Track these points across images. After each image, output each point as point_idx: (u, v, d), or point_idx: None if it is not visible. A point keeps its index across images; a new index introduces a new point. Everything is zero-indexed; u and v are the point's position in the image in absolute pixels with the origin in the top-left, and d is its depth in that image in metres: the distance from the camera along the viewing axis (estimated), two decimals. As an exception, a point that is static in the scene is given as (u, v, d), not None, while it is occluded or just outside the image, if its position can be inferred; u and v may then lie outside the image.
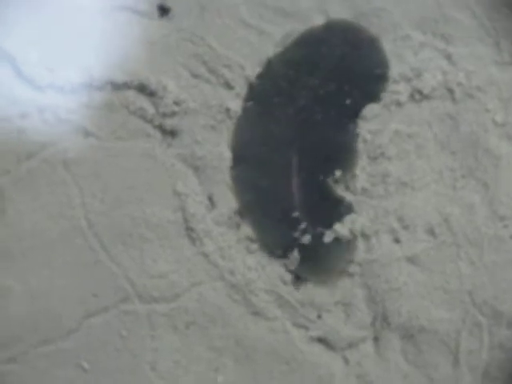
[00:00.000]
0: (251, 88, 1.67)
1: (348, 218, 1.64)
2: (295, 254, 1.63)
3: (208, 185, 1.65)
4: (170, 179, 1.66)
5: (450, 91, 1.67)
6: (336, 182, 1.64)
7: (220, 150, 1.66)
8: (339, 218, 1.64)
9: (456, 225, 1.65)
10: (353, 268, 1.65)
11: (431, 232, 1.65)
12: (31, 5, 1.66)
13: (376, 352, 1.65)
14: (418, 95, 1.67)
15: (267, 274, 1.64)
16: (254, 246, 1.65)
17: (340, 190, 1.65)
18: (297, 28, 1.68)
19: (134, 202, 1.65)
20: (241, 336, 1.64)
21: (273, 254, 1.65)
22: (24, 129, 1.63)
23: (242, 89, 1.67)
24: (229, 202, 1.66)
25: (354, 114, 1.66)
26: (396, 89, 1.66)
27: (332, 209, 1.64)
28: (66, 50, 1.65)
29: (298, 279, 1.65)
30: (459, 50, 1.68)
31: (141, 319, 1.62)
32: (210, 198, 1.66)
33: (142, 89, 1.65)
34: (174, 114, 1.65)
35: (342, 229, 1.63)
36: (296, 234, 1.63)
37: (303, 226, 1.63)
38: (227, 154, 1.66)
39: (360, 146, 1.66)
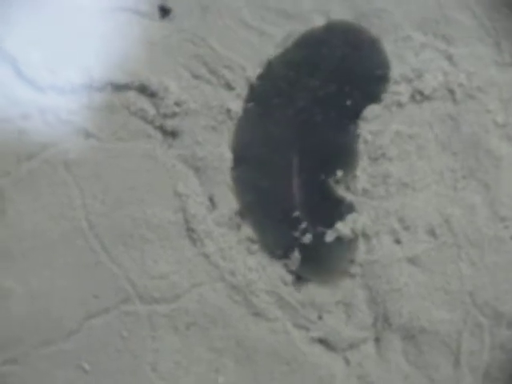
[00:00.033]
0: (252, 89, 1.66)
1: (350, 217, 1.63)
2: (296, 254, 1.63)
3: (209, 185, 1.65)
4: (170, 180, 1.65)
5: (451, 92, 1.66)
6: (337, 182, 1.64)
7: (221, 151, 1.65)
8: (340, 217, 1.63)
9: (457, 226, 1.64)
10: (354, 269, 1.64)
11: (432, 233, 1.64)
12: (32, 6, 1.65)
13: (377, 353, 1.64)
14: (419, 96, 1.66)
15: (268, 274, 1.64)
16: (255, 247, 1.64)
17: (341, 191, 1.64)
18: (297, 29, 1.67)
19: (134, 202, 1.64)
20: (241, 337, 1.63)
21: (274, 255, 1.64)
22: (25, 130, 1.63)
23: (242, 90, 1.66)
24: (229, 202, 1.65)
25: (355, 114, 1.65)
26: (397, 89, 1.66)
27: (333, 209, 1.64)
28: (67, 51, 1.65)
29: (299, 279, 1.64)
30: (460, 51, 1.67)
31: (141, 320, 1.62)
32: (211, 199, 1.65)
33: (143, 90, 1.65)
34: (174, 114, 1.65)
35: (343, 228, 1.62)
36: (297, 234, 1.62)
37: (304, 225, 1.62)
38: (228, 155, 1.65)
39: (361, 146, 1.65)
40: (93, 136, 1.64)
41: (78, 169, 1.63)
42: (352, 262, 1.64)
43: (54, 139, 1.63)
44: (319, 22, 1.68)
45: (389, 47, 1.66)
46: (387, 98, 1.66)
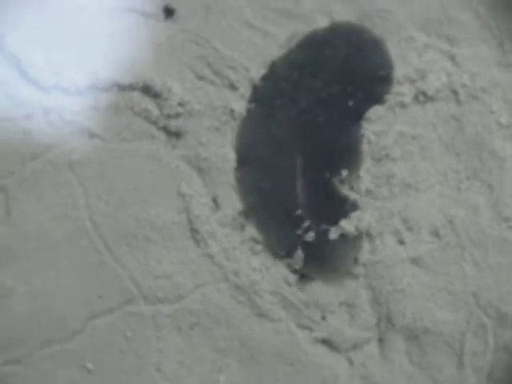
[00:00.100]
0: (255, 89, 1.65)
1: (354, 215, 1.62)
2: (300, 253, 1.61)
3: (212, 186, 1.64)
4: (174, 180, 1.64)
5: (455, 93, 1.65)
6: (341, 182, 1.63)
7: (224, 152, 1.64)
8: (345, 215, 1.62)
9: (460, 226, 1.63)
10: (357, 269, 1.63)
11: (435, 233, 1.63)
12: (37, 6, 1.65)
13: (380, 353, 1.63)
14: (423, 97, 1.65)
15: (272, 275, 1.63)
16: (259, 248, 1.63)
17: (345, 190, 1.63)
18: (301, 30, 1.66)
19: (138, 203, 1.63)
20: (245, 337, 1.62)
21: (277, 255, 1.63)
22: (29, 130, 1.62)
23: (246, 90, 1.65)
24: (233, 203, 1.64)
25: (359, 115, 1.64)
26: (400, 90, 1.65)
27: (337, 208, 1.63)
28: (71, 52, 1.64)
29: (303, 280, 1.63)
30: (463, 52, 1.66)
31: (145, 320, 1.61)
32: (215, 200, 1.64)
33: (147, 90, 1.64)
34: (178, 115, 1.64)
35: (348, 225, 1.61)
36: (300, 233, 1.61)
37: (307, 224, 1.61)
38: (231, 156, 1.64)
39: (364, 147, 1.64)
40: (97, 136, 1.63)
41: (82, 169, 1.62)
42: (356, 261, 1.63)
43: (58, 139, 1.62)
44: (322, 22, 1.67)
45: (392, 48, 1.65)
46: (391, 98, 1.65)
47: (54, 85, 1.63)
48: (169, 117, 1.64)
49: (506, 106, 1.66)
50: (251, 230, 1.63)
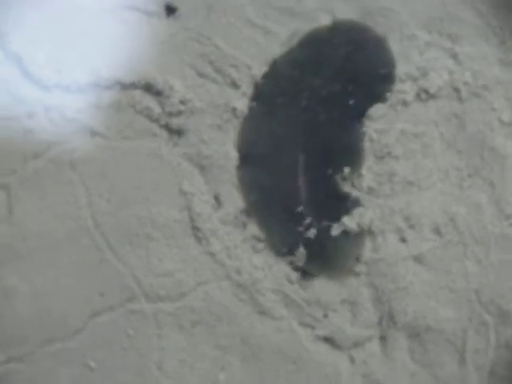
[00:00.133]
0: (257, 87, 1.64)
1: (356, 211, 1.61)
2: (302, 250, 1.60)
3: (214, 184, 1.63)
4: (176, 178, 1.63)
5: (456, 90, 1.65)
6: (344, 179, 1.62)
7: (226, 150, 1.63)
8: (347, 212, 1.61)
9: (462, 224, 1.62)
10: (359, 267, 1.62)
11: (437, 231, 1.62)
12: (38, 5, 1.64)
13: (382, 351, 1.62)
14: (425, 95, 1.64)
15: (274, 273, 1.62)
16: (261, 245, 1.62)
17: (347, 188, 1.62)
18: (302, 27, 1.66)
19: (140, 201, 1.62)
20: (247, 335, 1.61)
21: (279, 253, 1.62)
22: (31, 128, 1.61)
23: (248, 88, 1.64)
24: (235, 201, 1.63)
25: (361, 113, 1.63)
26: (402, 88, 1.64)
27: (339, 206, 1.62)
28: (72, 50, 1.63)
29: (305, 278, 1.62)
30: (465, 50, 1.66)
31: (147, 318, 1.60)
32: (217, 198, 1.63)
33: (149, 88, 1.63)
34: (180, 113, 1.63)
35: (350, 222, 1.60)
36: (302, 230, 1.60)
37: (310, 221, 1.60)
38: (233, 154, 1.63)
39: (366, 145, 1.63)
40: (99, 134, 1.62)
41: (83, 167, 1.61)
42: (358, 258, 1.62)
43: (60, 138, 1.61)
44: (324, 20, 1.66)
45: (394, 46, 1.65)
46: (392, 96, 1.64)
47: (55, 83, 1.62)
48: (170, 115, 1.63)
49: (508, 104, 1.65)
50: (253, 228, 1.62)
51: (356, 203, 1.62)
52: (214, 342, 1.61)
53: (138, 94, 1.63)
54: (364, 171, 1.63)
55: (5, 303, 1.57)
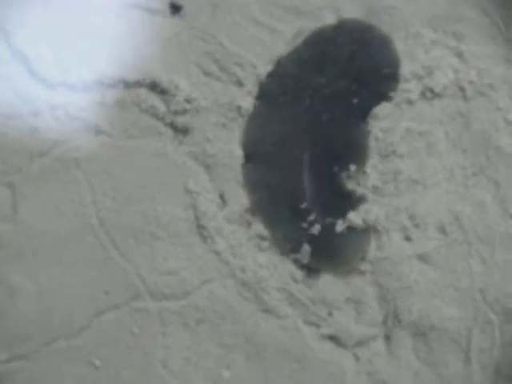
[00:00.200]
0: (262, 86, 1.63)
1: (362, 208, 1.59)
2: (306, 247, 1.59)
3: (219, 183, 1.61)
4: (181, 177, 1.62)
5: (462, 89, 1.63)
6: (349, 177, 1.60)
7: (231, 148, 1.62)
8: (352, 209, 1.60)
9: (467, 223, 1.60)
10: (364, 266, 1.60)
11: (442, 230, 1.60)
12: (43, 3, 1.63)
13: (387, 350, 1.60)
14: (430, 93, 1.62)
15: (278, 271, 1.60)
16: (266, 244, 1.60)
17: (352, 185, 1.61)
18: (307, 26, 1.64)
19: (145, 199, 1.61)
20: (251, 333, 1.59)
21: (284, 251, 1.60)
22: (36, 127, 1.60)
23: (253, 87, 1.63)
24: (240, 199, 1.61)
25: (366, 112, 1.61)
26: (407, 87, 1.62)
27: (344, 203, 1.60)
28: (77, 49, 1.62)
29: (310, 275, 1.61)
30: (470, 48, 1.64)
31: (152, 316, 1.58)
32: (222, 196, 1.61)
33: (154, 87, 1.62)
34: (185, 111, 1.62)
35: (355, 218, 1.59)
36: (307, 227, 1.58)
37: (314, 218, 1.59)
38: (238, 152, 1.62)
39: (371, 143, 1.61)
40: (103, 133, 1.61)
41: (88, 166, 1.60)
42: (363, 257, 1.60)
43: (65, 136, 1.60)
44: (329, 19, 1.64)
45: (399, 45, 1.63)
46: (397, 95, 1.62)
47: (60, 81, 1.61)
48: (176, 113, 1.61)
49: (513, 103, 1.64)
50: (258, 227, 1.61)
51: (361, 200, 1.60)
52: (219, 340, 1.59)
53: (143, 92, 1.62)
54: (369, 170, 1.61)
55: (9, 301, 1.56)
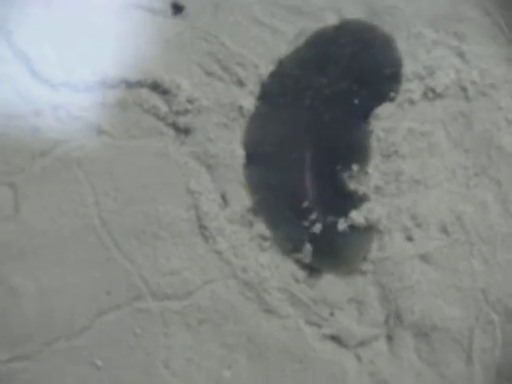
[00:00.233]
0: (264, 86, 1.62)
1: (364, 206, 1.58)
2: (308, 247, 1.58)
3: (221, 183, 1.60)
4: (183, 177, 1.61)
5: (463, 89, 1.62)
6: (351, 177, 1.59)
7: (233, 148, 1.61)
8: (354, 208, 1.59)
9: (469, 223, 1.59)
10: (366, 266, 1.59)
11: (444, 230, 1.59)
12: (45, 3, 1.62)
13: (389, 350, 1.59)
14: (431, 93, 1.62)
15: (280, 272, 1.59)
16: (267, 244, 1.59)
17: (354, 185, 1.60)
18: (309, 26, 1.63)
19: (147, 200, 1.60)
20: (253, 333, 1.58)
21: (286, 251, 1.59)
22: (38, 127, 1.59)
23: (255, 87, 1.62)
24: (242, 199, 1.60)
25: (368, 112, 1.61)
26: (409, 87, 1.61)
27: (346, 203, 1.59)
28: (79, 49, 1.61)
29: (312, 275, 1.60)
30: (472, 48, 1.63)
31: (154, 317, 1.57)
32: (223, 196, 1.60)
33: (156, 87, 1.61)
34: (187, 112, 1.61)
35: (358, 216, 1.58)
36: (308, 226, 1.58)
37: (315, 217, 1.58)
38: (240, 152, 1.61)
39: (373, 144, 1.60)
40: (105, 133, 1.60)
41: (90, 166, 1.59)
42: (365, 257, 1.59)
43: (67, 136, 1.59)
44: (331, 19, 1.64)
45: (401, 45, 1.62)
46: (399, 95, 1.61)
47: (62, 82, 1.60)
48: (177, 113, 1.61)
49: (515, 103, 1.63)
50: (260, 227, 1.60)
51: (363, 200, 1.59)
52: (221, 340, 1.58)
53: (144, 92, 1.62)
54: (371, 170, 1.60)
55: (11, 301, 1.55)
